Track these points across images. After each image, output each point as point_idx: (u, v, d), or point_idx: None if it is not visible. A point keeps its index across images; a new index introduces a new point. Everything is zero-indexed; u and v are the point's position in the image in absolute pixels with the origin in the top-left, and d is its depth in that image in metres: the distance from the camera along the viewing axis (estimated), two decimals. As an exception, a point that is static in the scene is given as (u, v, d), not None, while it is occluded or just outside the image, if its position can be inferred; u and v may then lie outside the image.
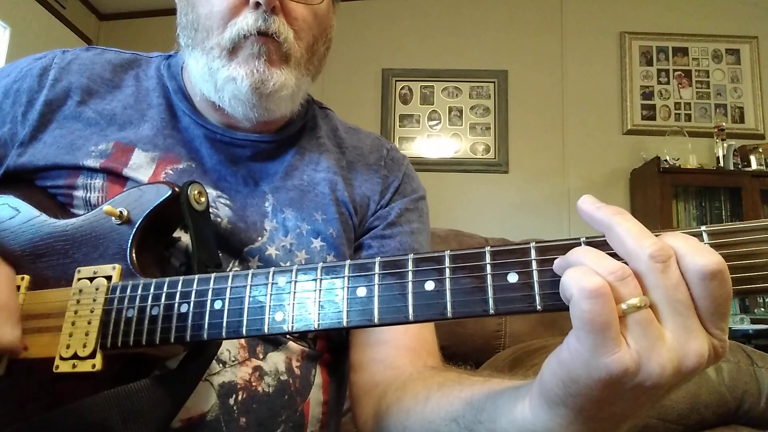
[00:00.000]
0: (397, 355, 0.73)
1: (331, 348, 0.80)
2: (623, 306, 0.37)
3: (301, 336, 0.75)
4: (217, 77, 0.71)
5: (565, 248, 0.42)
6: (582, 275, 0.38)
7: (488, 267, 0.44)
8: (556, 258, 0.41)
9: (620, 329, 0.37)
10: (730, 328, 2.53)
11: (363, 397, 0.73)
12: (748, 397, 0.98)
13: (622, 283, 0.38)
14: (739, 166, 3.48)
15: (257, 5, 0.69)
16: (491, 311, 0.43)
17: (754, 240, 0.39)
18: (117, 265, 0.60)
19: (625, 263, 0.39)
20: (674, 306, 0.38)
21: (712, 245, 0.40)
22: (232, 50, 0.71)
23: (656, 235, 0.39)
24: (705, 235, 0.40)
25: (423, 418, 0.58)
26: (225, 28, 0.70)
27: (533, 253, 0.43)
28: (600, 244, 0.41)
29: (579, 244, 0.42)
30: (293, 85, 0.73)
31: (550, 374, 0.41)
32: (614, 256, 0.40)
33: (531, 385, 0.44)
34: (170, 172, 0.73)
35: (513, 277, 0.43)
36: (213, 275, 0.55)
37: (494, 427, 0.48)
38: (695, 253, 0.37)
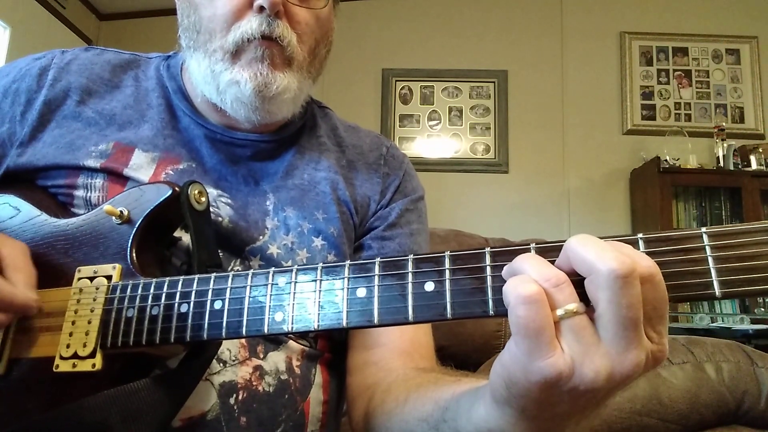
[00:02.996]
0: (391, 358, 0.74)
1: (332, 347, 0.80)
2: (559, 312, 0.39)
3: (301, 335, 0.75)
4: (220, 80, 0.72)
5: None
6: (519, 283, 0.39)
7: (488, 268, 0.44)
8: (556, 259, 0.41)
9: (556, 334, 0.39)
10: (729, 328, 2.54)
11: (356, 399, 0.74)
12: (748, 397, 0.98)
13: (557, 289, 0.39)
14: (739, 166, 3.47)
15: (261, 9, 0.69)
16: (491, 312, 0.43)
17: (754, 242, 0.39)
18: (117, 265, 0.60)
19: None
20: (623, 322, 0.38)
21: (712, 247, 0.40)
22: (236, 53, 0.71)
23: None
24: (705, 237, 0.40)
25: (401, 419, 0.59)
26: (228, 31, 0.70)
27: (533, 254, 0.43)
28: None
29: None
30: (295, 89, 0.74)
31: (495, 376, 0.43)
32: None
33: (486, 385, 0.46)
34: (171, 172, 0.73)
35: (513, 278, 0.43)
36: (213, 275, 0.55)
37: (456, 426, 0.50)
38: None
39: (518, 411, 0.42)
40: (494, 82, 3.87)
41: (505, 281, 0.41)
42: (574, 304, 0.39)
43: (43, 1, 3.57)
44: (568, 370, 0.38)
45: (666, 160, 3.45)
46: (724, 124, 3.64)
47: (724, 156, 3.50)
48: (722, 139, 3.53)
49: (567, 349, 0.39)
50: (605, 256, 0.38)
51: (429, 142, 3.85)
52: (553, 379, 0.38)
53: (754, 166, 3.44)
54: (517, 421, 0.43)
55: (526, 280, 0.39)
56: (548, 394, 0.40)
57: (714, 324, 2.76)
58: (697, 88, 3.82)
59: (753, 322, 2.80)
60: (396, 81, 3.91)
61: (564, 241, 0.43)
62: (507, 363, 0.41)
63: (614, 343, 0.38)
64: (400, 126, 3.87)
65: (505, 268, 0.43)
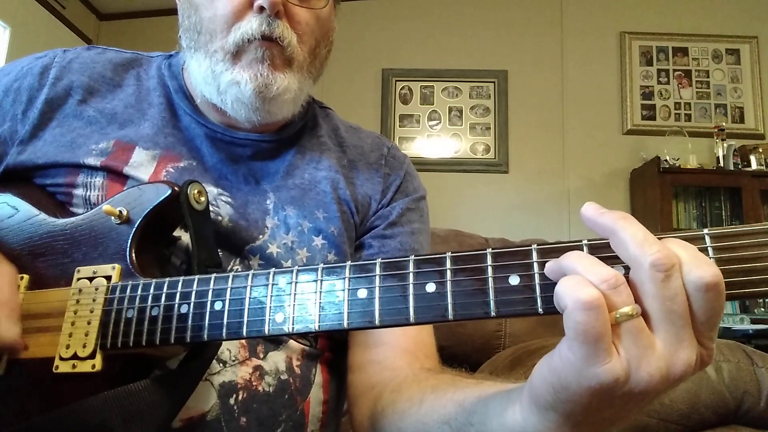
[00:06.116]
0: (395, 357, 0.73)
1: (332, 347, 0.80)
2: (615, 314, 0.38)
3: (301, 335, 0.75)
4: (221, 80, 0.71)
5: (566, 251, 0.42)
6: (577, 285, 0.38)
7: (489, 269, 0.44)
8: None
9: (611, 337, 0.38)
10: (729, 328, 2.53)
11: (359, 398, 0.73)
12: (748, 397, 0.98)
13: (615, 291, 0.38)
14: (739, 166, 3.48)
15: (261, 9, 0.69)
16: (492, 313, 0.43)
17: (756, 243, 0.39)
18: (117, 265, 0.60)
19: (627, 268, 0.39)
20: (669, 316, 0.38)
21: (715, 248, 0.40)
22: (236, 54, 0.71)
23: (659, 239, 0.39)
24: (707, 239, 0.40)
25: (417, 420, 0.58)
26: (229, 31, 0.70)
27: (535, 255, 0.43)
28: (602, 247, 0.41)
29: (581, 248, 0.42)
30: (296, 89, 0.73)
31: (541, 380, 0.41)
32: (609, 259, 0.40)
33: (522, 389, 0.45)
34: (171, 170, 0.73)
35: (514, 280, 0.43)
36: (213, 276, 0.54)
37: (485, 430, 0.48)
38: (693, 264, 0.38)
39: (563, 416, 0.41)
40: (494, 82, 3.87)
41: (505, 283, 0.41)
42: (631, 307, 0.38)
43: (43, 1, 3.57)
44: (625, 374, 0.37)
45: (666, 160, 3.45)
46: (724, 124, 3.64)
47: (724, 156, 3.51)
48: (722, 139, 3.53)
49: (623, 353, 0.38)
50: (647, 249, 0.37)
51: (429, 142, 3.85)
52: (609, 384, 0.37)
53: (754, 166, 3.44)
54: (558, 426, 0.42)
55: (584, 283, 0.38)
56: (599, 399, 0.39)
57: (714, 324, 2.75)
58: (697, 88, 3.82)
59: (753, 322, 2.80)
60: (396, 81, 3.91)
61: (568, 242, 0.43)
62: (557, 368, 0.39)
63: (666, 342, 0.38)
64: (400, 126, 3.87)
65: (549, 265, 0.42)
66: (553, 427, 0.42)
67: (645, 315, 0.38)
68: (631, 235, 0.39)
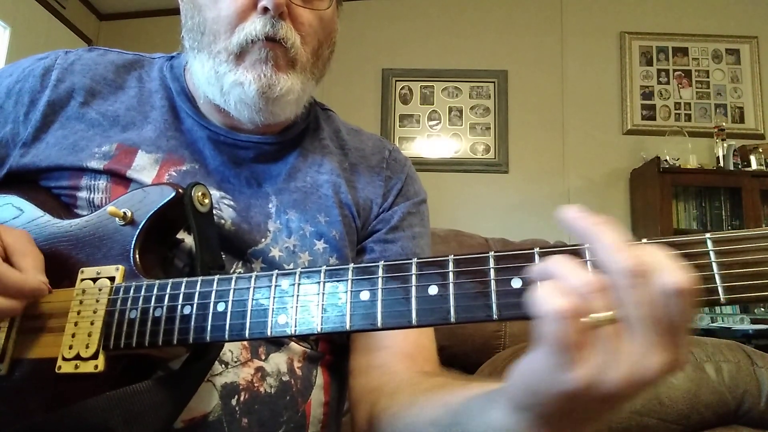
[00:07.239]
0: (395, 361, 0.74)
1: (333, 349, 0.80)
2: (591, 319, 0.38)
3: (303, 337, 0.75)
4: (224, 81, 0.71)
5: (568, 253, 0.42)
6: (551, 294, 0.38)
7: (492, 272, 0.44)
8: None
9: (584, 343, 0.38)
10: (729, 328, 2.54)
11: (359, 402, 0.74)
12: (748, 397, 0.98)
13: (592, 296, 0.38)
14: (739, 166, 3.48)
15: (265, 10, 0.69)
16: (495, 316, 0.43)
17: (758, 248, 0.39)
18: (120, 266, 0.60)
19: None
20: (641, 321, 0.38)
21: (716, 252, 0.40)
22: (240, 55, 0.71)
23: (636, 245, 0.40)
24: (709, 242, 0.40)
25: (408, 423, 0.59)
26: (233, 32, 0.70)
27: (537, 258, 0.43)
28: None
29: (583, 251, 0.42)
30: (299, 90, 0.73)
31: (516, 382, 0.42)
32: None
33: (501, 390, 0.46)
34: (173, 173, 0.73)
35: (517, 282, 0.43)
36: (216, 277, 0.55)
37: (468, 429, 0.49)
38: (663, 270, 0.38)
39: (538, 417, 0.42)
40: (494, 82, 3.87)
41: (507, 286, 0.41)
42: (605, 313, 0.38)
43: (43, 1, 3.57)
44: (595, 380, 0.38)
45: (666, 160, 3.46)
46: (724, 124, 3.65)
47: (724, 156, 3.51)
48: (722, 139, 3.54)
49: (595, 358, 0.38)
50: (618, 256, 0.38)
51: (429, 142, 3.85)
52: (579, 389, 0.38)
53: (754, 166, 3.45)
54: (535, 426, 0.43)
55: (558, 292, 0.38)
56: (572, 403, 0.40)
57: (714, 324, 2.77)
58: (697, 88, 3.83)
59: (753, 322, 2.80)
60: (396, 81, 3.91)
61: (569, 246, 0.43)
62: (532, 371, 0.40)
63: (638, 346, 0.38)
64: (400, 126, 3.87)
65: (535, 269, 0.42)
66: (531, 426, 0.43)
67: (618, 320, 0.39)
68: (603, 241, 0.39)
